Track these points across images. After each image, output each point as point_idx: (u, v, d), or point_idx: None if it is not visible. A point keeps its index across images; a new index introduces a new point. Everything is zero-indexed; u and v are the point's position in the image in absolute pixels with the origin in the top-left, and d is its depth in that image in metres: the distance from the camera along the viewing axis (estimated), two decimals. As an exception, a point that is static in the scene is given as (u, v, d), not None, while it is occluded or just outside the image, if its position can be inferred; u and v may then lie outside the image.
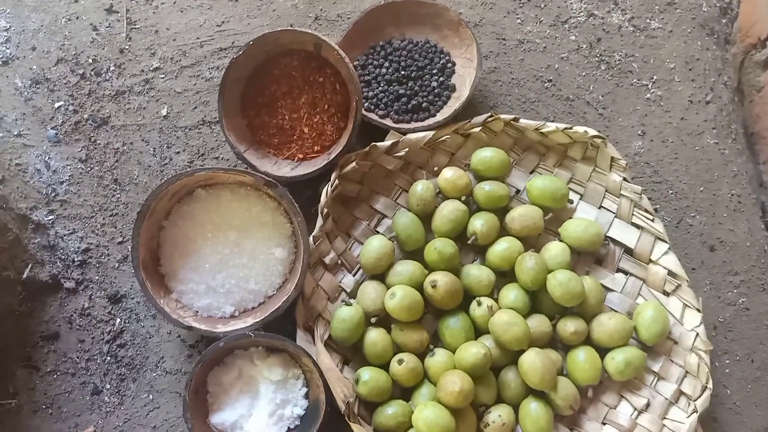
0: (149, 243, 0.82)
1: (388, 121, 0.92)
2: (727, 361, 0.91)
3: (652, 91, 0.99)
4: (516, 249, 0.86)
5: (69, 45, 0.96)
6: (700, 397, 0.82)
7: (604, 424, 0.84)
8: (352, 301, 0.85)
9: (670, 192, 0.96)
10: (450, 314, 0.84)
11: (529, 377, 0.79)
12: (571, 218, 0.90)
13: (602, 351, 0.84)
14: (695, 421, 0.80)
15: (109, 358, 0.87)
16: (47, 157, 0.92)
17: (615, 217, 0.90)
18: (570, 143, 0.92)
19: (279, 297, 0.82)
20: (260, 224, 0.84)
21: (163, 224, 0.84)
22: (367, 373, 0.80)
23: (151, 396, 0.86)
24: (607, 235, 0.90)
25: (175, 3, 0.99)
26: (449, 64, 0.95)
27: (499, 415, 0.80)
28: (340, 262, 0.88)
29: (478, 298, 0.84)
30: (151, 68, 0.96)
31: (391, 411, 0.79)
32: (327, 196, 0.84)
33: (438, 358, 0.81)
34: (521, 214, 0.87)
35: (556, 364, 0.82)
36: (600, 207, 0.91)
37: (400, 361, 0.80)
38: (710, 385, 0.82)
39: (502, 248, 0.86)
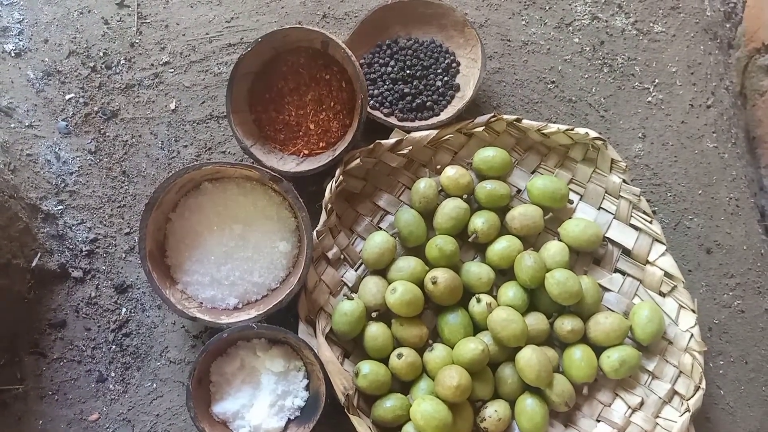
0: (156, 234, 0.84)
1: (392, 119, 0.93)
2: (722, 362, 0.92)
3: (653, 94, 1.00)
4: (516, 247, 0.87)
5: (80, 38, 0.97)
6: (693, 396, 0.83)
7: (599, 421, 0.85)
8: (353, 295, 0.87)
9: (669, 194, 0.97)
10: (449, 310, 0.85)
11: (525, 374, 0.80)
12: (570, 218, 0.91)
13: (598, 349, 0.85)
14: (687, 420, 0.81)
15: (114, 346, 0.88)
16: (57, 148, 0.93)
17: (614, 218, 0.91)
18: (571, 144, 0.93)
19: (282, 290, 0.83)
20: (265, 218, 0.85)
21: (169, 216, 0.85)
22: (366, 367, 0.81)
23: (155, 384, 0.87)
24: (606, 235, 0.90)
25: (185, -2, 1.00)
26: (454, 64, 0.96)
27: (495, 410, 0.81)
28: (342, 257, 0.89)
29: (477, 295, 0.85)
30: (160, 62, 0.97)
31: (390, 404, 0.80)
32: (331, 191, 0.85)
33: (437, 353, 0.83)
34: (521, 214, 0.88)
35: (552, 361, 0.83)
36: (599, 208, 0.92)
37: (400, 356, 0.82)
38: (703, 385, 0.83)
39: (501, 246, 0.87)
